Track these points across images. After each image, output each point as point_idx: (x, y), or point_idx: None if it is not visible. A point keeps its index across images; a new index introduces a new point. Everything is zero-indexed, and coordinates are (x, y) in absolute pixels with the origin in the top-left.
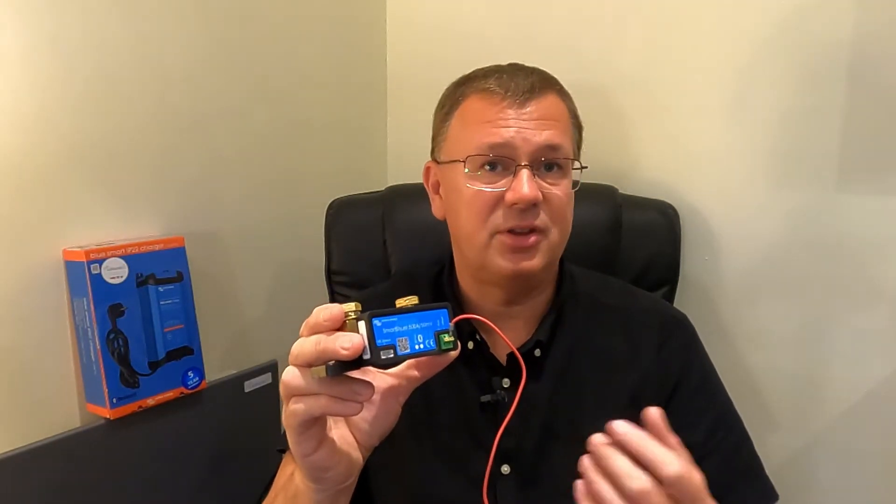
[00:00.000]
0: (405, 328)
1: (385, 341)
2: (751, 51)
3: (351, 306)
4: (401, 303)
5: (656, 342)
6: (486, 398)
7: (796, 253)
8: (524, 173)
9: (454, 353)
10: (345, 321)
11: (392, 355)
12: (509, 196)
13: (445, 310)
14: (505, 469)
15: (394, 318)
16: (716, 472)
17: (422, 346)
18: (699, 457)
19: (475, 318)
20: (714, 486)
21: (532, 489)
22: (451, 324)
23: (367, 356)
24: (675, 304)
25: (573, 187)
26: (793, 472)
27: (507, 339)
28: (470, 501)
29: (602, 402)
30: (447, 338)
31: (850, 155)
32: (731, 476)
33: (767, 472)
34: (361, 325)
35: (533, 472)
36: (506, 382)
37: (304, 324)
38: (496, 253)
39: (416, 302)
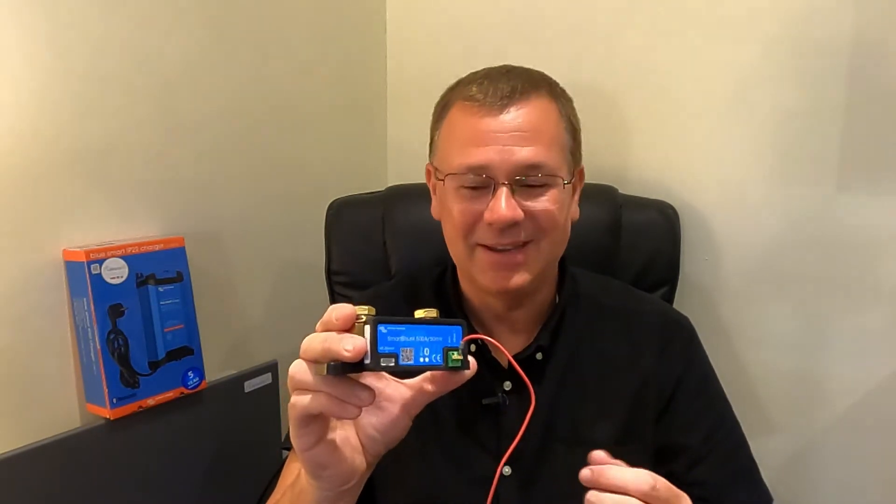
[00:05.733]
0: (412, 339)
1: (387, 349)
2: (751, 51)
3: (364, 309)
4: (419, 314)
5: (658, 345)
6: (487, 401)
7: (796, 253)
8: (502, 193)
9: (469, 373)
10: (355, 323)
11: (392, 363)
12: (487, 216)
13: (459, 327)
14: (506, 471)
15: (401, 328)
16: (712, 475)
17: (427, 359)
18: (696, 458)
19: (487, 340)
20: (710, 488)
21: (534, 491)
22: (462, 342)
23: (367, 360)
24: (675, 305)
25: (573, 192)
26: (793, 472)
27: (511, 357)
28: (472, 503)
29: (603, 405)
30: (455, 356)
31: (850, 155)
32: (727, 479)
33: (768, 471)
34: (367, 329)
35: (534, 473)
36: (507, 385)
37: (319, 321)
38: (479, 270)
39: (435, 315)
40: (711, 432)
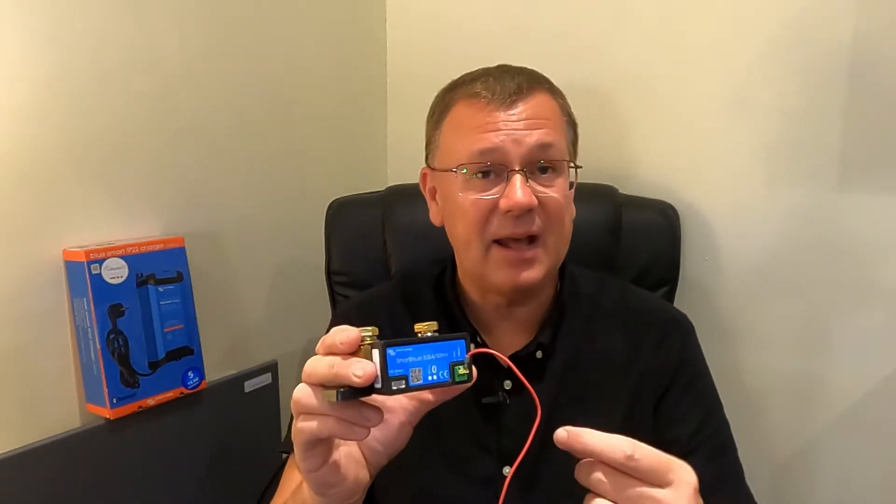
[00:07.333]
0: (420, 358)
1: (397, 371)
2: (751, 50)
3: (368, 331)
4: (420, 328)
5: (655, 340)
6: (487, 400)
7: (796, 253)
8: (517, 179)
9: (468, 385)
10: (360, 346)
11: (403, 385)
12: (503, 203)
13: (463, 341)
14: (506, 470)
15: (409, 349)
16: (699, 470)
17: (435, 377)
18: (684, 452)
19: (493, 354)
20: (699, 484)
21: (534, 490)
22: (468, 356)
23: (378, 385)
24: (674, 305)
25: (570, 188)
26: (793, 472)
27: (520, 373)
28: (472, 502)
29: (603, 403)
30: (461, 370)
31: (851, 154)
32: (714, 476)
33: (768, 471)
34: (375, 353)
35: (534, 473)
36: (507, 384)
37: (320, 341)
38: (494, 267)
39: (436, 328)
40: (700, 428)
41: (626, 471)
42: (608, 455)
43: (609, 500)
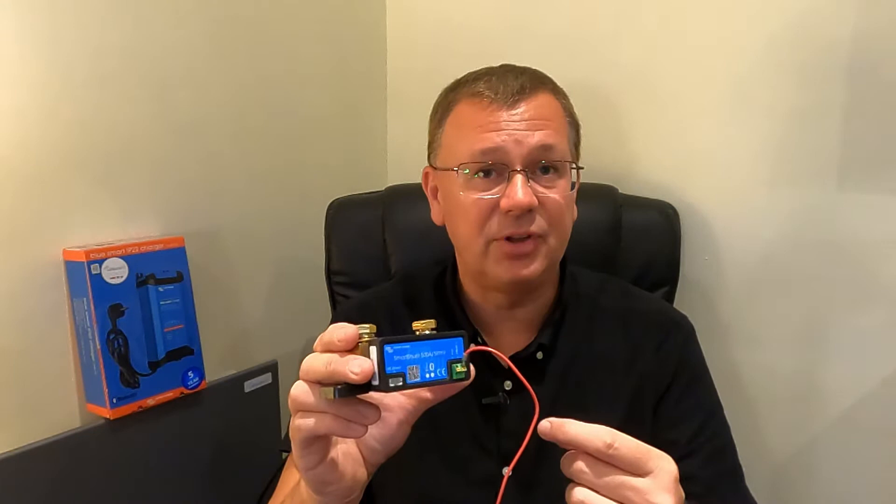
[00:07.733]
0: (417, 356)
1: (395, 369)
2: (751, 50)
3: (366, 328)
4: (418, 325)
5: (655, 343)
6: (487, 400)
7: (796, 253)
8: (518, 179)
9: (466, 383)
10: (357, 343)
11: (401, 383)
12: (504, 203)
13: (461, 339)
14: (505, 471)
15: (406, 346)
16: (699, 471)
17: (433, 374)
18: (684, 453)
19: (490, 352)
20: (698, 484)
21: (533, 491)
22: (465, 354)
23: (375, 382)
24: (675, 304)
25: (571, 189)
26: (792, 471)
27: (516, 369)
28: (471, 503)
29: (603, 405)
30: (459, 368)
31: (851, 154)
32: (714, 477)
33: (767, 471)
34: (373, 350)
35: (534, 473)
36: (507, 385)
37: (318, 338)
38: (494, 261)
39: (434, 325)
40: (700, 430)
41: (606, 459)
42: (589, 444)
43: (590, 488)
